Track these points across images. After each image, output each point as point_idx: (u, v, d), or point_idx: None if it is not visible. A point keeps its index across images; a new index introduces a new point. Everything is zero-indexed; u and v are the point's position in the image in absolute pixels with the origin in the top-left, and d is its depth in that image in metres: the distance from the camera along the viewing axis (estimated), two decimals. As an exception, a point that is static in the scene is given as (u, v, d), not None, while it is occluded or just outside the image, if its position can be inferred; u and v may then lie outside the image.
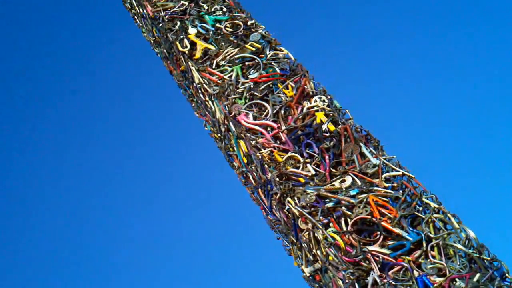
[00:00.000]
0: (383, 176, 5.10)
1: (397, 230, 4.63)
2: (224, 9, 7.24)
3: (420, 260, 4.42)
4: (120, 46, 16.38)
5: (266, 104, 5.84)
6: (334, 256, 4.46)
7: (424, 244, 4.51)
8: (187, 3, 7.40)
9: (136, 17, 8.69)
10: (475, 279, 4.25)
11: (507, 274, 4.38)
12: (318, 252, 4.61)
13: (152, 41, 8.18)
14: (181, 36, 6.89)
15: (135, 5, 8.29)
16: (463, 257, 4.45)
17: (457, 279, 4.27)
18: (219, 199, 14.12)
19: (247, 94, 6.00)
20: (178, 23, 7.12)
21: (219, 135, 6.46)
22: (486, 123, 14.27)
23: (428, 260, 4.43)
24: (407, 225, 4.67)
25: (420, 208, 4.82)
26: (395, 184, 5.03)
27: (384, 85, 15.27)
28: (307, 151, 5.37)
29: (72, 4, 16.87)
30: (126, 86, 16.24)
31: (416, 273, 4.32)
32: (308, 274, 4.78)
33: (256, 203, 5.84)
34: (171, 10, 7.34)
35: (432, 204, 4.85)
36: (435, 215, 4.73)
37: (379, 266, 4.39)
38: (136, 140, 15.70)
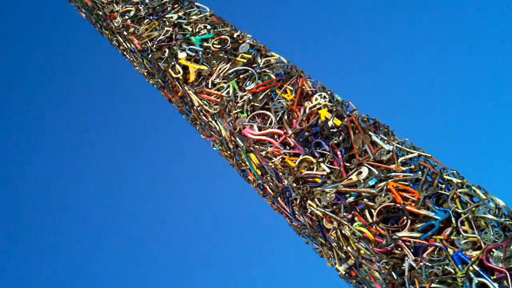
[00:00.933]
0: (399, 160, 5.05)
1: (423, 212, 4.59)
2: (208, 27, 7.26)
3: (452, 237, 4.38)
4: (115, 81, 16.61)
5: (268, 113, 5.83)
6: (365, 249, 4.42)
7: (454, 221, 4.46)
8: (171, 29, 7.44)
9: (125, 53, 8.75)
10: (512, 247, 4.20)
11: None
12: (349, 248, 4.57)
13: (145, 73, 8.22)
14: (172, 63, 6.92)
15: (122, 41, 8.35)
16: (496, 227, 4.39)
17: (493, 250, 4.21)
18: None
19: (248, 106, 6.00)
20: (167, 50, 7.15)
21: (228, 152, 6.46)
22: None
23: (461, 235, 4.38)
24: (432, 205, 4.62)
25: (443, 186, 4.76)
26: (412, 166, 4.99)
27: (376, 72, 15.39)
28: (318, 150, 5.35)
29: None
30: (128, 119, 16.47)
31: (451, 251, 4.28)
32: (343, 272, 4.75)
33: (278, 212, 5.82)
34: (157, 39, 7.38)
35: (455, 180, 4.80)
36: (459, 190, 4.68)
37: (412, 250, 4.36)
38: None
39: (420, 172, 4.91)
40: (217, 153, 6.82)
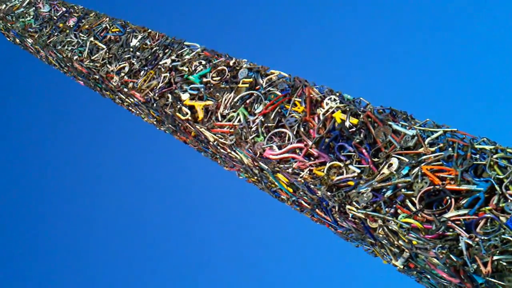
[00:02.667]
0: (426, 142, 4.99)
1: (464, 187, 4.51)
2: (203, 62, 7.31)
3: (501, 205, 4.28)
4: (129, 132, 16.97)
5: (284, 130, 5.82)
6: (417, 239, 4.34)
7: (498, 188, 4.37)
8: (168, 74, 7.50)
9: (130, 108, 8.83)
10: None
11: None
12: (400, 242, 4.49)
13: (155, 122, 8.27)
14: (178, 106, 6.95)
15: (124, 97, 8.44)
16: None
17: (545, 205, 4.11)
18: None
19: (262, 129, 5.99)
20: (169, 95, 7.19)
21: (255, 178, 6.43)
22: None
23: (509, 200, 4.28)
24: (471, 177, 4.54)
25: (477, 156, 4.69)
26: (441, 145, 4.92)
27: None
28: (342, 153, 5.30)
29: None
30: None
31: (503, 219, 4.19)
32: (401, 266, 4.66)
33: (320, 223, 5.76)
34: (158, 87, 7.44)
35: (487, 147, 4.72)
36: (495, 156, 4.59)
37: (464, 228, 4.27)
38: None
39: (450, 149, 4.83)
40: (244, 181, 6.80)
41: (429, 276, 4.69)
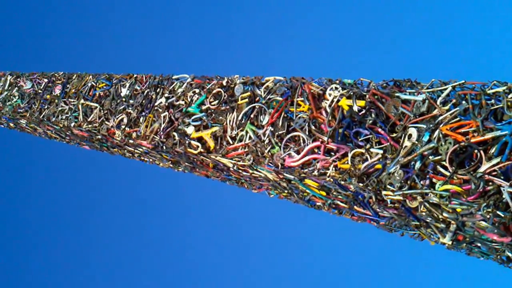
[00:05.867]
0: (438, 103, 5.06)
1: (489, 135, 4.56)
2: (197, 91, 7.46)
3: (530, 143, 4.33)
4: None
5: (295, 133, 5.93)
6: (460, 205, 4.41)
7: (523, 125, 4.43)
8: (166, 113, 7.66)
9: (142, 157, 9.01)
10: None
11: None
12: (444, 214, 4.56)
13: (171, 166, 8.44)
14: (187, 142, 7.10)
15: (133, 149, 8.63)
16: None
17: None
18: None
19: (275, 139, 6.11)
20: (175, 133, 7.35)
21: (286, 192, 6.55)
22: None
23: (538, 135, 4.33)
24: (494, 124, 4.60)
25: (492, 101, 4.74)
26: (454, 101, 4.98)
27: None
28: (360, 139, 5.39)
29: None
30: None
31: (539, 154, 4.23)
32: (450, 242, 4.71)
33: (362, 221, 5.85)
34: (161, 129, 7.60)
35: (500, 89, 4.77)
36: (510, 96, 4.65)
37: (503, 178, 4.32)
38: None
39: (464, 102, 4.89)
40: (276, 199, 6.93)
41: (479, 244, 4.75)
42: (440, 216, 4.59)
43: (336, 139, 5.58)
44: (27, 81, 11.66)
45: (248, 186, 7.25)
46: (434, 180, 4.70)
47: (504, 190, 4.25)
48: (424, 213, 4.68)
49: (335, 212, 6.00)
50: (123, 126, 8.37)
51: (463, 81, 5.04)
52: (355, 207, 5.59)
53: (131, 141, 8.13)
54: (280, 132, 6.13)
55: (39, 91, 11.12)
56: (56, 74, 11.06)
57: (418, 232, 5.28)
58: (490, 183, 4.37)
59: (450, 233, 4.63)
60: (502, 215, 4.16)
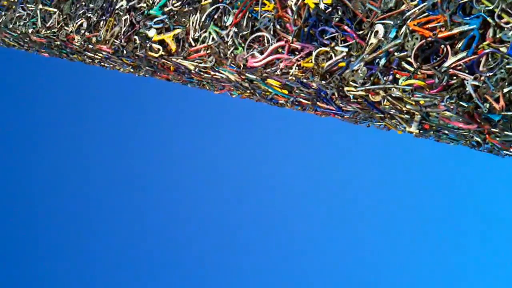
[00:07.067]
0: (406, -3, 4.87)
1: (456, 30, 4.43)
2: (160, -9, 7.12)
3: (497, 36, 4.21)
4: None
5: (260, 33, 5.72)
6: (423, 97, 4.33)
7: (490, 20, 4.29)
8: (128, 16, 7.33)
9: (102, 63, 8.73)
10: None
11: None
12: (408, 106, 4.49)
13: (131, 70, 8.19)
14: (148, 45, 6.85)
15: (93, 55, 8.33)
16: None
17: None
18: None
19: (238, 39, 5.90)
20: (136, 37, 7.07)
21: (248, 92, 6.41)
22: None
23: (505, 29, 4.21)
24: (461, 18, 4.46)
25: None
26: None
27: None
28: (326, 38, 5.22)
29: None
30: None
31: (503, 49, 4.13)
32: (417, 131, 4.67)
33: (326, 116, 5.77)
34: (122, 33, 7.30)
35: None
36: None
37: (467, 71, 4.24)
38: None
39: (433, -5, 4.72)
40: (239, 98, 6.79)
41: (446, 132, 4.71)
42: (404, 109, 4.52)
43: (302, 38, 5.40)
44: (-18, -13, 11.06)
45: (210, 88, 7.08)
46: (397, 76, 4.60)
47: (467, 83, 4.18)
48: (387, 106, 4.61)
49: (298, 108, 5.91)
50: (82, 31, 8.03)
51: None
52: (318, 103, 5.49)
53: (90, 46, 7.82)
54: (244, 33, 5.91)
55: (-5, -3, 10.57)
56: (12, -21, 10.50)
57: (384, 123, 5.23)
58: (454, 77, 4.28)
59: (416, 123, 4.59)
60: (466, 105, 4.09)
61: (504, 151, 4.70)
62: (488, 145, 4.66)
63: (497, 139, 4.30)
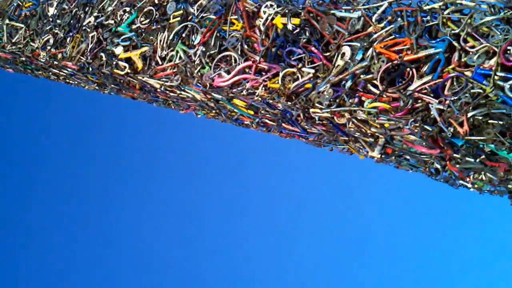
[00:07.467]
0: (373, 20, 4.85)
1: (422, 53, 4.41)
2: (128, 9, 7.01)
3: (462, 60, 4.19)
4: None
5: (227, 53, 5.64)
6: (388, 120, 4.27)
7: (456, 44, 4.28)
8: (95, 33, 7.20)
9: (67, 80, 8.56)
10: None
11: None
12: (373, 129, 4.42)
13: (97, 88, 8.03)
14: (114, 62, 6.71)
15: (58, 71, 8.16)
16: (499, 25, 4.19)
17: (509, 47, 4.01)
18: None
19: (205, 59, 5.80)
20: (102, 54, 6.93)
21: (213, 112, 6.30)
22: None
23: (470, 53, 4.19)
24: (428, 41, 4.43)
25: (428, 18, 4.55)
26: (389, 18, 4.78)
27: None
28: (293, 59, 5.16)
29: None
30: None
31: (468, 73, 4.10)
32: (379, 155, 4.61)
33: (290, 138, 5.68)
34: (88, 50, 7.16)
35: (436, 5, 4.57)
36: (446, 12, 4.46)
37: (432, 95, 4.19)
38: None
39: (399, 19, 4.70)
40: (204, 118, 6.67)
41: (408, 157, 4.65)
42: (368, 131, 4.46)
43: (269, 59, 5.32)
44: None
45: (175, 107, 6.95)
46: (363, 98, 4.54)
47: (432, 106, 4.13)
48: (352, 129, 4.54)
49: (263, 130, 5.80)
50: (48, 47, 7.87)
51: None
52: (283, 124, 5.40)
53: (56, 62, 7.65)
54: (211, 52, 5.81)
55: (-38, 11, 10.35)
56: (-20, -7, 10.31)
57: (347, 146, 5.15)
58: (419, 101, 4.24)
59: (379, 147, 4.53)
60: (430, 129, 4.04)
61: (460, 181, 4.63)
62: (446, 173, 4.60)
63: (457, 166, 4.24)
